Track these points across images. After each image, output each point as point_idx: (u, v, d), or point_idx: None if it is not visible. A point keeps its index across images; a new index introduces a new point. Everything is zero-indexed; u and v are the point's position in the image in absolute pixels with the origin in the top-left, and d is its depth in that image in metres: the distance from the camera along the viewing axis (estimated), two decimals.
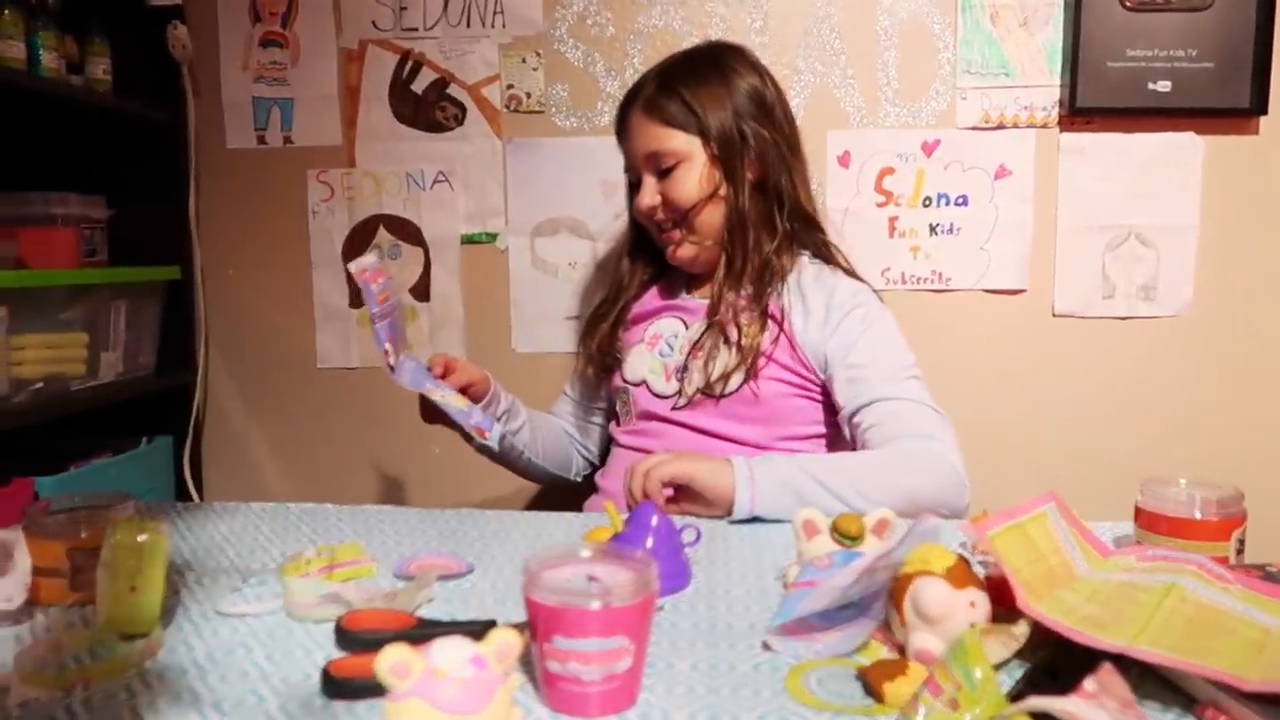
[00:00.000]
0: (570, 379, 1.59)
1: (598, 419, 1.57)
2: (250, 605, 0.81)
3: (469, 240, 1.83)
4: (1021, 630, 0.69)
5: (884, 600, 0.74)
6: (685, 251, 1.35)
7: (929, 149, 1.72)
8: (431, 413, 1.27)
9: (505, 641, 0.58)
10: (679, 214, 1.32)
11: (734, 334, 1.29)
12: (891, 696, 0.64)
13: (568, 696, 0.63)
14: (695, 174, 1.31)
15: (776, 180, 1.34)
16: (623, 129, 1.38)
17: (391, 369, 1.17)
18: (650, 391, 1.38)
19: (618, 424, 1.45)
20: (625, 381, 1.42)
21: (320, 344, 1.87)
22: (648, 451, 1.32)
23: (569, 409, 1.57)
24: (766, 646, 0.74)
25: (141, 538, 0.75)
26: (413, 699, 0.55)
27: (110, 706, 0.65)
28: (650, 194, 1.33)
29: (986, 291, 1.74)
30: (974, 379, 1.75)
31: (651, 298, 1.45)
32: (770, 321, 1.29)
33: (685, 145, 1.30)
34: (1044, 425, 1.75)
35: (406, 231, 1.84)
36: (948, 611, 0.69)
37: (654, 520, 0.88)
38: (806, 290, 1.31)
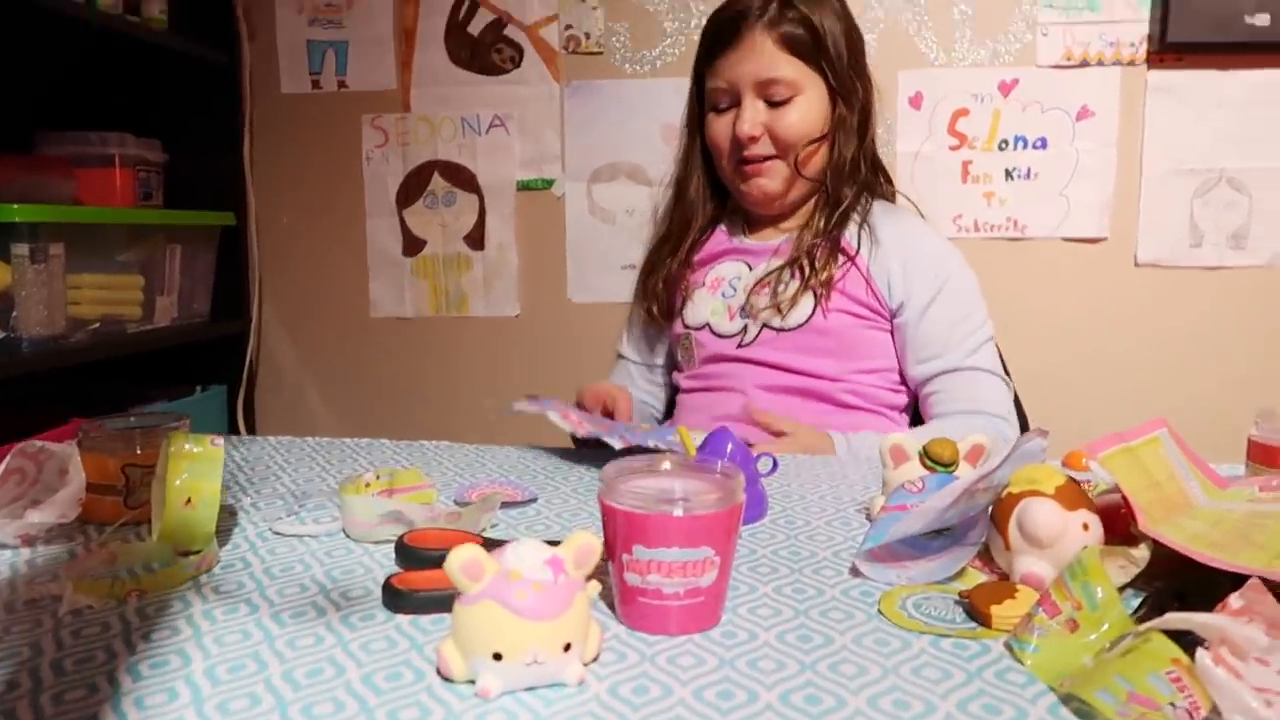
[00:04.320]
0: (625, 340, 1.51)
1: (660, 377, 1.50)
2: (308, 526, 0.78)
3: (525, 187, 1.79)
4: (1141, 554, 0.63)
5: (983, 525, 0.68)
6: (770, 185, 1.27)
7: (1006, 89, 1.64)
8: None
9: (584, 545, 0.53)
10: (785, 149, 1.26)
11: (806, 269, 1.24)
12: (999, 620, 0.59)
13: (647, 612, 0.59)
14: (811, 108, 1.25)
15: (865, 122, 1.29)
16: (729, 44, 1.25)
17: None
18: (713, 333, 1.32)
19: (680, 371, 1.40)
20: (687, 326, 1.37)
21: (374, 293, 1.85)
22: (717, 391, 1.28)
23: (631, 372, 1.49)
24: (855, 573, 0.69)
25: (197, 449, 0.72)
26: (485, 601, 0.51)
27: (165, 615, 0.62)
28: (753, 121, 1.23)
29: (1065, 240, 1.67)
30: (1051, 332, 1.67)
31: (714, 241, 1.39)
32: (841, 255, 1.24)
33: (805, 77, 1.24)
34: (1125, 380, 1.67)
35: (461, 178, 1.80)
36: (1059, 534, 0.63)
37: (729, 447, 0.83)
38: (878, 225, 1.27)
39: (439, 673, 0.53)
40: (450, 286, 1.82)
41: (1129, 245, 1.65)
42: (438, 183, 1.81)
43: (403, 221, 1.82)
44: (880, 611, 0.62)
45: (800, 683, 0.52)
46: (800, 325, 1.24)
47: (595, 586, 0.54)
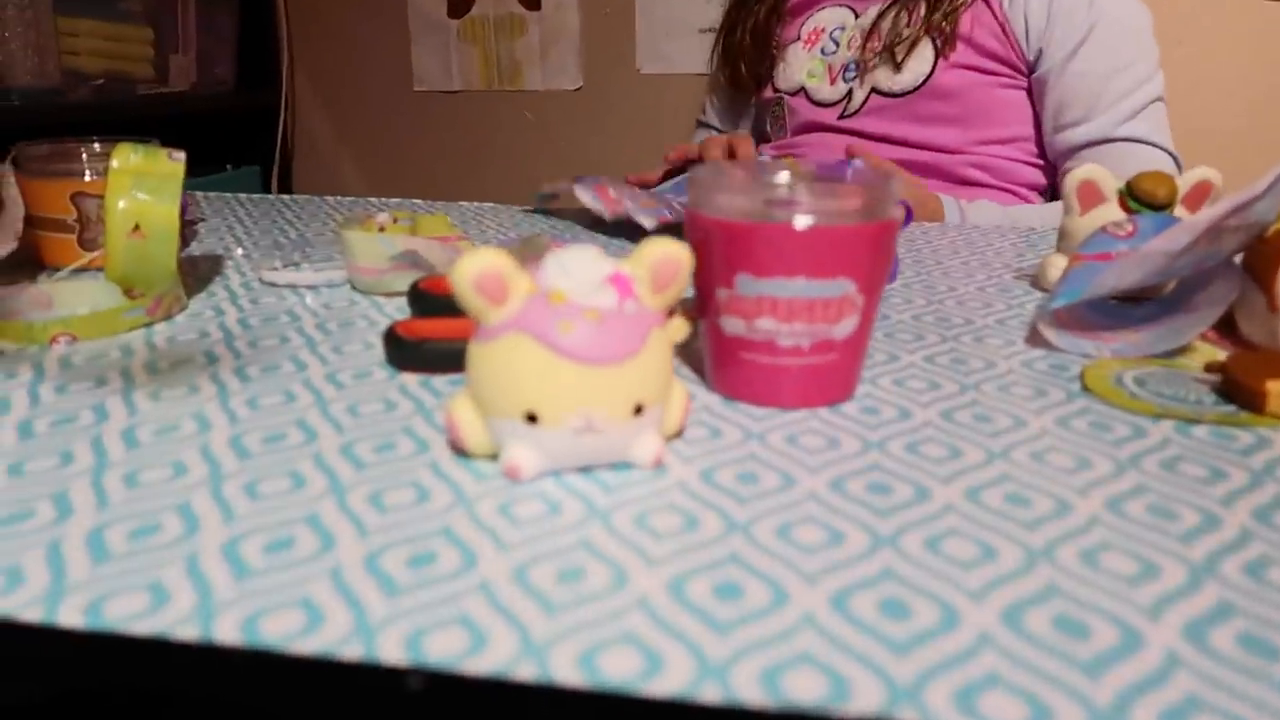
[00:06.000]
0: (706, 102, 1.31)
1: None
2: (306, 274, 0.61)
3: None
4: None
5: (1228, 282, 0.48)
6: None
7: None
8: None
9: (665, 257, 0.35)
10: None
11: (924, 7, 0.99)
12: None
13: (753, 375, 0.40)
14: None
15: None
16: None
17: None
18: (810, 100, 1.10)
19: (767, 143, 1.18)
20: (777, 90, 1.14)
21: (417, 62, 1.63)
22: None
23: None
24: (1036, 342, 0.50)
25: (146, 162, 0.55)
26: (512, 335, 0.33)
27: (94, 365, 0.46)
28: None
29: None
30: (1239, 95, 1.39)
31: None
32: None
33: None
34: None
35: None
36: None
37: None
38: None
39: (450, 444, 0.37)
40: (502, 54, 1.59)
41: None
42: None
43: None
44: (1087, 388, 0.43)
45: (991, 476, 0.34)
46: (917, 88, 1.01)
47: (682, 325, 0.36)
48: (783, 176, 0.43)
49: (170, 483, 0.33)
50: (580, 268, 0.34)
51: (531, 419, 0.33)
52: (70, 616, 0.26)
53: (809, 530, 0.30)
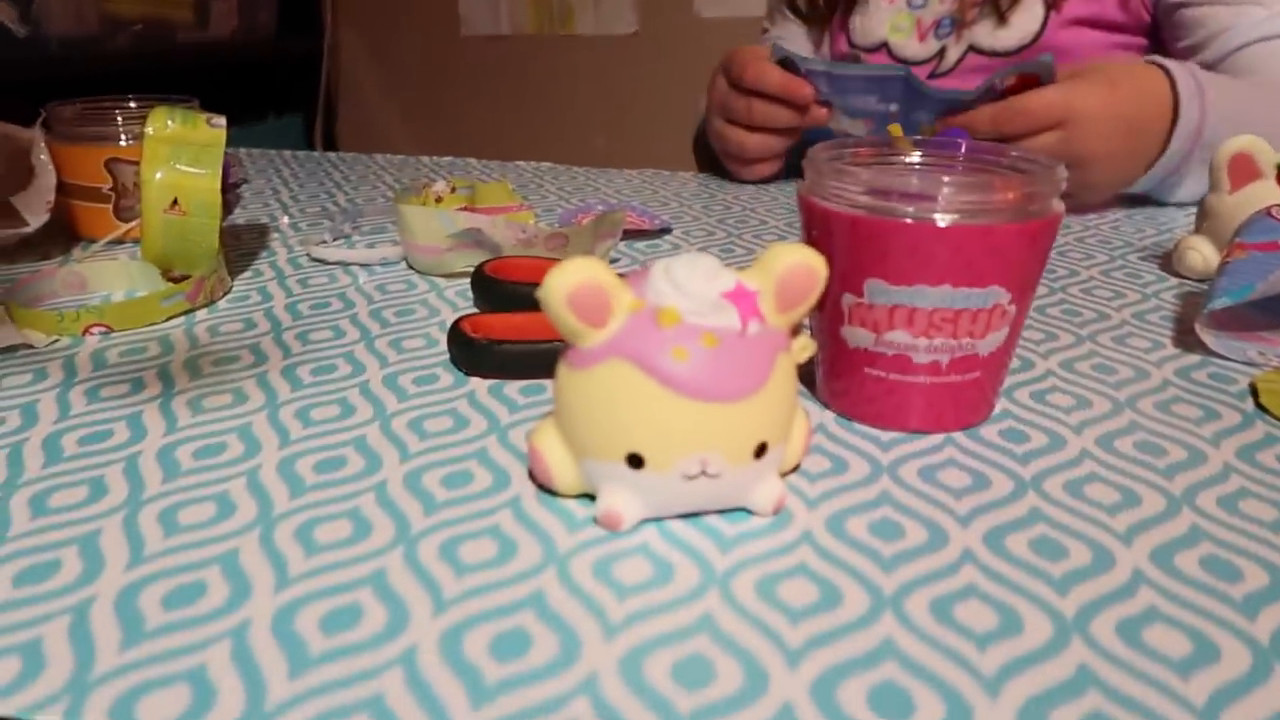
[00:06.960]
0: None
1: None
2: (358, 252, 0.56)
3: None
4: None
5: None
6: None
7: None
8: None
9: (796, 268, 0.29)
10: None
11: None
12: None
13: (877, 393, 0.35)
14: None
15: None
16: None
17: None
18: (893, 59, 1.01)
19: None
20: (854, 46, 1.05)
21: (464, 6, 1.56)
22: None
23: None
24: (1187, 342, 0.43)
25: (185, 129, 0.50)
26: (614, 362, 0.27)
27: (130, 364, 0.41)
28: None
29: None
30: None
31: None
32: None
33: None
34: None
35: None
36: None
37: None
38: None
39: (532, 478, 0.32)
40: None
41: None
42: None
43: None
44: (1262, 406, 0.37)
45: (1180, 533, 0.29)
46: (1024, 47, 0.91)
47: (807, 345, 0.30)
48: (910, 153, 0.37)
49: (214, 525, 0.29)
50: (694, 281, 0.28)
51: (636, 462, 0.28)
52: (94, 719, 0.21)
53: (975, 609, 0.25)
